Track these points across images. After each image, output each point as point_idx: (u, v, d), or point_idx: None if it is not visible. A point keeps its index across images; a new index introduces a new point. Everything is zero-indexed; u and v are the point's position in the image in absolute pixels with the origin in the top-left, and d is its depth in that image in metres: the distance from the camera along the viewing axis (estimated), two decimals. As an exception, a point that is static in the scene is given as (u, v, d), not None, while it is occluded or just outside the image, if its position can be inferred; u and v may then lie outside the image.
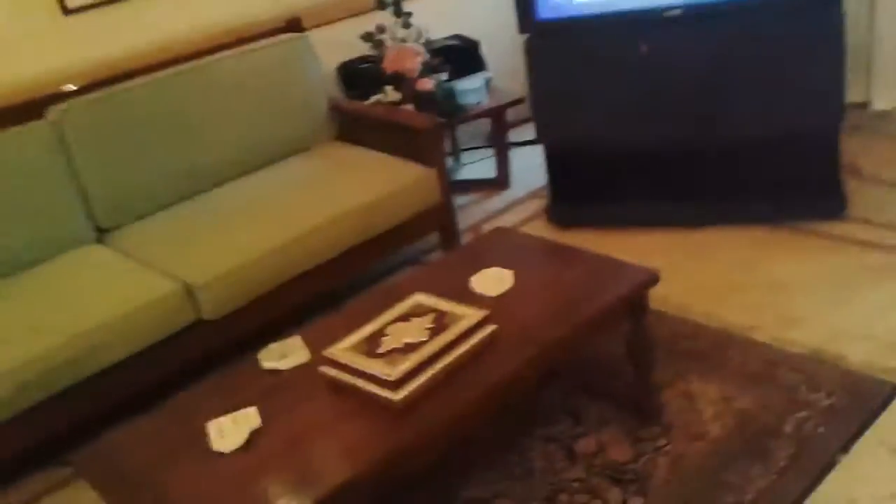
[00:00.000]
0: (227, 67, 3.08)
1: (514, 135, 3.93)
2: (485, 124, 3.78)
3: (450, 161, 3.87)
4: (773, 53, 2.90)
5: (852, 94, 3.41)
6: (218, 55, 3.11)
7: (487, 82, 3.50)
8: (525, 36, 3.09)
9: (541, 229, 3.22)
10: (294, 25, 3.35)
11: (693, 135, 3.05)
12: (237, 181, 3.06)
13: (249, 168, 3.11)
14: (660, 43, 2.95)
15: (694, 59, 2.95)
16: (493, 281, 2.06)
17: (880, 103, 3.40)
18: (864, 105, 3.44)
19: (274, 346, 1.94)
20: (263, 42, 3.21)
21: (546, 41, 3.10)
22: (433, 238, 3.15)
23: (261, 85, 3.13)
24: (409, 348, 1.73)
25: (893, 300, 2.43)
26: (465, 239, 3.22)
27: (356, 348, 1.77)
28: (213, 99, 3.03)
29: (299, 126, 3.23)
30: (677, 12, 2.89)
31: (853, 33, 3.30)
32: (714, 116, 3.01)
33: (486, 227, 3.26)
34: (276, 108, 3.16)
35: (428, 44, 3.41)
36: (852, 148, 3.19)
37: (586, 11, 3.06)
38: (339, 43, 3.49)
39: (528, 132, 3.63)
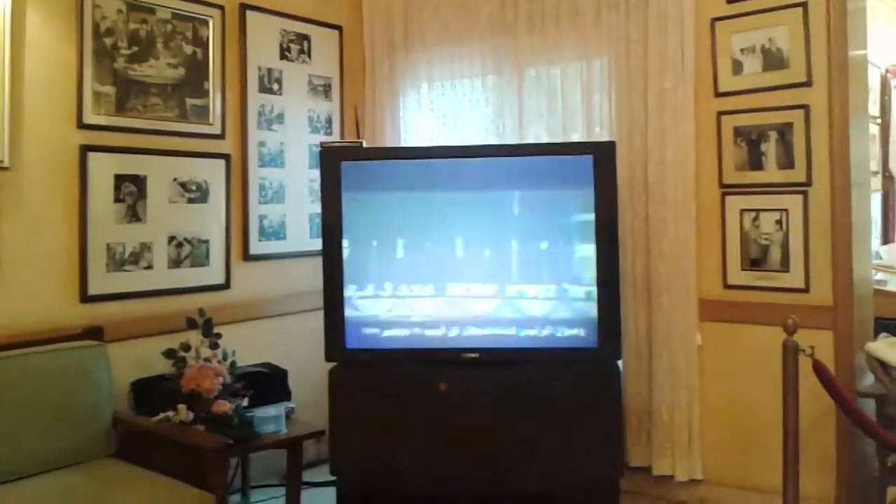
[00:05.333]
0: (11, 366, 2.89)
1: (312, 474, 3.77)
2: (281, 460, 3.62)
3: (237, 497, 3.61)
4: (558, 407, 3.12)
5: (635, 459, 3.63)
6: (4, 353, 2.92)
7: (289, 412, 3.43)
8: (331, 365, 3.16)
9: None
10: (94, 334, 3.25)
11: (482, 482, 3.10)
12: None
13: (8, 477, 2.77)
14: (457, 383, 3.11)
15: (486, 405, 3.12)
16: None
17: (659, 469, 3.57)
18: (647, 469, 3.60)
19: None
20: (56, 346, 3.07)
21: (351, 371, 3.19)
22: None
23: (41, 389, 2.93)
24: None
25: None
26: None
27: None
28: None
29: (74, 439, 2.98)
30: (475, 355, 3.11)
31: (635, 399, 3.61)
32: (502, 465, 3.13)
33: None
34: (51, 417, 2.93)
35: (233, 367, 3.37)
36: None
37: (394, 345, 3.22)
38: (140, 358, 3.40)
39: (326, 473, 3.51)
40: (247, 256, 3.96)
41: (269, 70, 4.10)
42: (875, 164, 5.47)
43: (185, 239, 3.69)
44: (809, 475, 3.08)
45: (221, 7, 3.85)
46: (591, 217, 3.28)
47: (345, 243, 3.36)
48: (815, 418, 3.18)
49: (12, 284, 3.11)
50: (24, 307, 3.14)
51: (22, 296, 3.14)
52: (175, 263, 3.65)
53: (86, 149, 3.33)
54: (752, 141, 3.45)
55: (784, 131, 3.37)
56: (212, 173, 3.81)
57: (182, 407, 3.14)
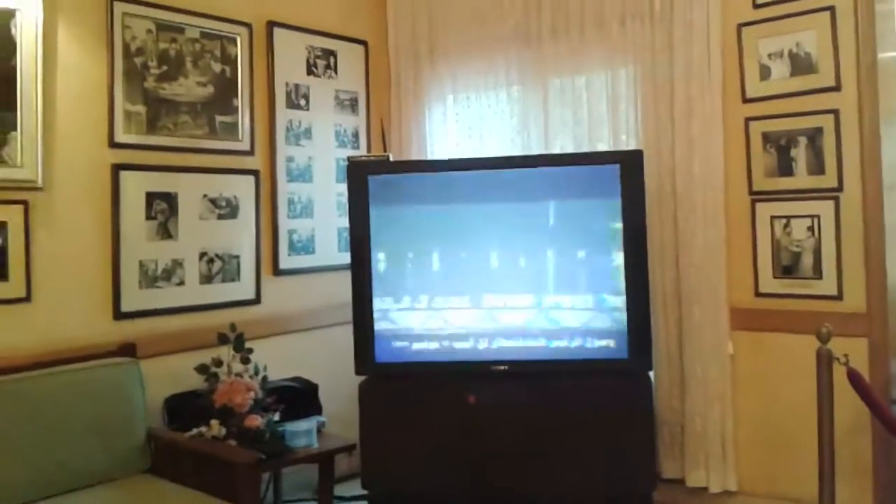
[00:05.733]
0: (46, 384, 2.93)
1: (343, 489, 3.78)
2: (313, 475, 3.64)
3: (271, 512, 3.64)
4: (589, 418, 3.11)
5: (669, 471, 3.60)
6: (39, 371, 2.98)
7: (320, 426, 3.45)
8: (361, 378, 3.18)
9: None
10: (127, 350, 3.29)
11: (514, 495, 3.12)
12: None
13: (44, 494, 2.81)
14: (487, 396, 3.11)
15: (517, 417, 3.12)
16: None
17: (693, 480, 3.53)
18: (680, 481, 3.57)
19: None
20: (89, 363, 3.12)
21: (381, 384, 3.21)
22: None
23: (75, 406, 2.96)
24: None
25: None
26: None
27: None
28: (21, 414, 2.82)
29: (108, 455, 3.00)
30: (504, 367, 3.12)
31: (668, 410, 3.58)
32: (533, 477, 3.12)
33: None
34: (86, 434, 2.96)
35: (265, 381, 3.39)
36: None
37: (424, 358, 3.24)
38: (173, 374, 3.44)
39: (358, 487, 3.52)
40: (277, 271, 4.00)
41: (297, 86, 4.15)
42: (908, 167, 5.39)
43: (216, 255, 3.73)
44: (845, 485, 3.03)
45: (249, 25, 3.90)
46: (619, 226, 3.27)
47: (380, 256, 3.39)
48: (851, 427, 3.13)
49: (46, 302, 3.16)
50: (57, 325, 3.19)
51: (56, 313, 3.19)
52: (206, 279, 3.69)
53: (117, 168, 3.39)
54: (781, 147, 3.41)
55: (814, 136, 3.33)
56: (241, 189, 3.85)
57: (215, 422, 3.17)
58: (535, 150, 3.99)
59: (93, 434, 2.98)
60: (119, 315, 3.37)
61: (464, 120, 4.35)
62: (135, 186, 3.45)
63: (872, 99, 3.21)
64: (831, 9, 3.27)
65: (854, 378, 2.83)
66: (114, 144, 3.39)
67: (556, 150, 3.94)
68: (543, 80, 4.01)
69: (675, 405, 3.60)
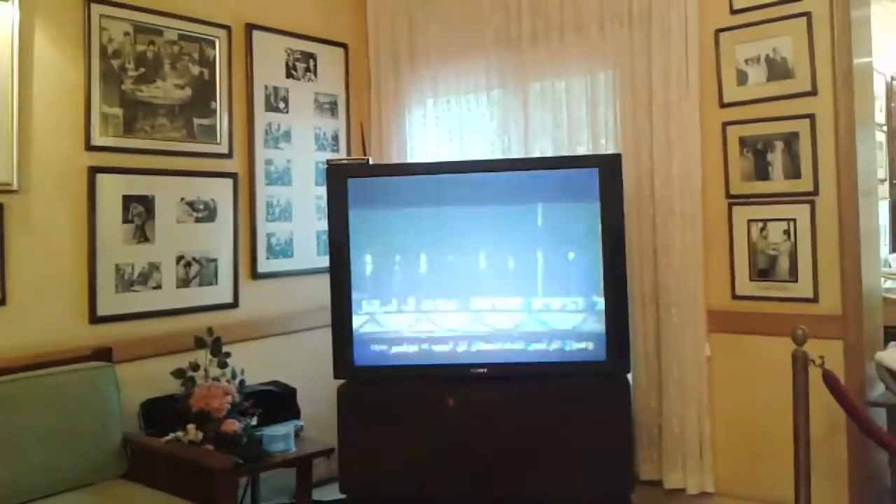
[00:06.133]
0: (20, 388, 2.90)
1: (322, 493, 3.77)
2: (290, 479, 3.62)
3: (248, 518, 3.61)
4: (567, 421, 3.12)
5: (646, 472, 3.61)
6: (13, 375, 2.93)
7: (298, 431, 3.43)
8: (340, 382, 3.18)
9: None
10: (103, 355, 3.26)
11: (493, 499, 3.14)
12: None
13: (18, 499, 2.78)
14: (466, 399, 3.11)
15: (495, 420, 3.13)
16: None
17: (671, 482, 3.55)
18: (658, 483, 3.58)
19: None
20: (65, 367, 3.08)
21: (359, 388, 3.20)
22: None
23: (50, 410, 2.93)
24: None
25: None
26: None
27: None
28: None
29: (83, 460, 2.98)
30: (483, 370, 3.12)
31: (645, 412, 3.60)
32: (512, 480, 3.14)
33: None
34: (61, 438, 2.93)
35: (242, 386, 3.37)
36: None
37: (402, 361, 3.23)
38: (149, 378, 3.41)
39: (336, 491, 3.50)
40: (255, 275, 3.98)
41: (276, 89, 4.13)
42: (882, 172, 5.46)
43: (194, 258, 3.71)
44: (821, 487, 3.05)
45: (228, 27, 3.88)
46: (598, 230, 3.28)
47: (363, 258, 3.38)
48: (827, 429, 3.16)
49: (21, 307, 3.13)
50: (33, 329, 3.16)
51: (31, 318, 3.16)
52: (183, 283, 3.66)
53: (94, 170, 3.36)
54: (758, 151, 3.44)
55: (790, 141, 3.36)
56: (219, 192, 3.83)
57: (191, 427, 3.14)
58: (515, 154, 4.00)
59: (68, 438, 2.95)
60: (95, 319, 3.34)
61: (444, 123, 4.36)
62: (111, 189, 3.42)
63: (848, 104, 3.24)
64: (807, 15, 3.30)
65: (829, 380, 2.86)
66: (90, 147, 3.36)
67: (536, 154, 3.95)
68: (523, 84, 4.02)
69: (652, 407, 3.61)
